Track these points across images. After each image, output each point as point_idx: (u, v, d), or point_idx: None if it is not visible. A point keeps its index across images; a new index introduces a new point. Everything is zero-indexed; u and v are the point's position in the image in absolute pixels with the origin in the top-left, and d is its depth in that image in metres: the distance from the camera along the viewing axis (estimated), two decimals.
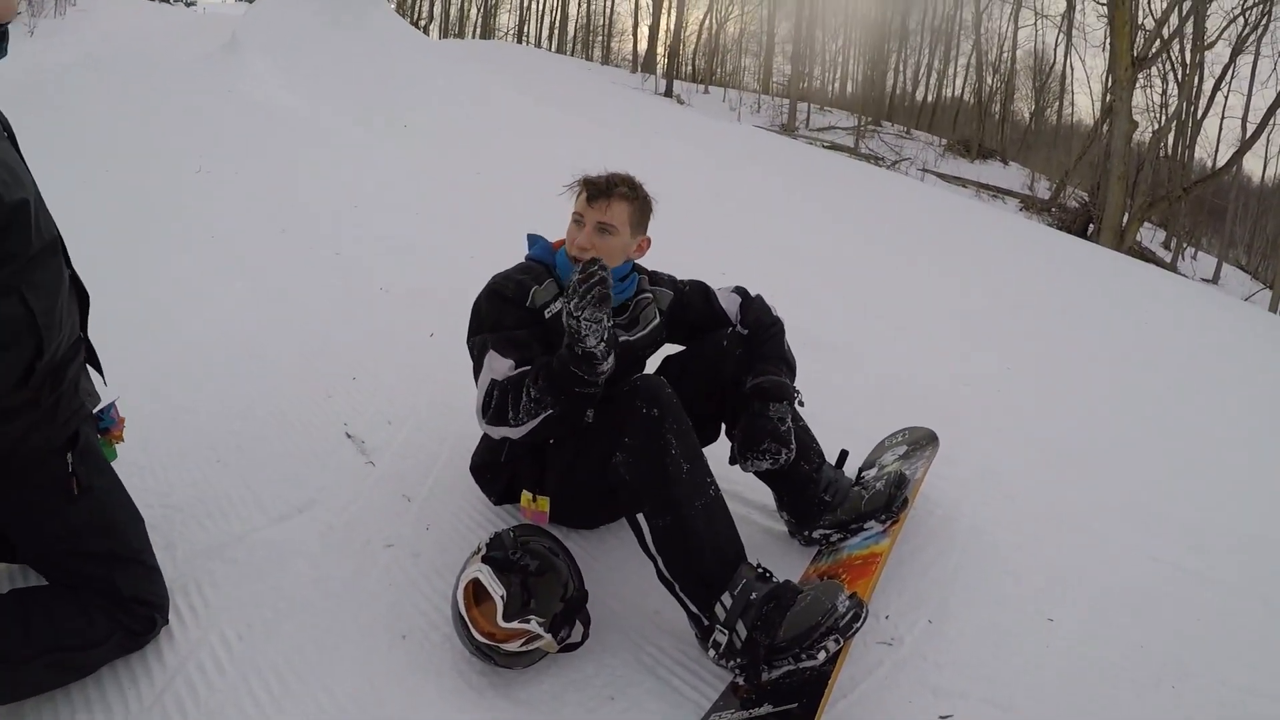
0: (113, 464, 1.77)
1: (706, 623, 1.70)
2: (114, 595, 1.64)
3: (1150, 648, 1.95)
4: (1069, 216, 18.16)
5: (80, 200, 4.38)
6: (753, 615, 1.66)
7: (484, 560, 1.70)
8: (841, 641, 1.63)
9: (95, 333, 1.75)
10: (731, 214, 6.12)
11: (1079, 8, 21.72)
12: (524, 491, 1.99)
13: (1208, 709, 1.80)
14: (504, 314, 1.97)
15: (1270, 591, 2.22)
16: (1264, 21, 16.95)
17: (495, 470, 2.11)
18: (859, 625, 1.65)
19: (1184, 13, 16.52)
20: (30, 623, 1.56)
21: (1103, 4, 17.05)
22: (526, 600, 1.66)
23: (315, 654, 1.75)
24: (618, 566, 2.01)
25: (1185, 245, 19.70)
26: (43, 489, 1.58)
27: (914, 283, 5.12)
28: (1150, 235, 19.17)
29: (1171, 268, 16.49)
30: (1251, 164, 22.31)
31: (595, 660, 1.76)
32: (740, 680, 1.67)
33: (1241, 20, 16.96)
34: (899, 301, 4.62)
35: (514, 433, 1.84)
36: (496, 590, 1.65)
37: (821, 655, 1.61)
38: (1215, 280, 18.16)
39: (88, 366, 1.72)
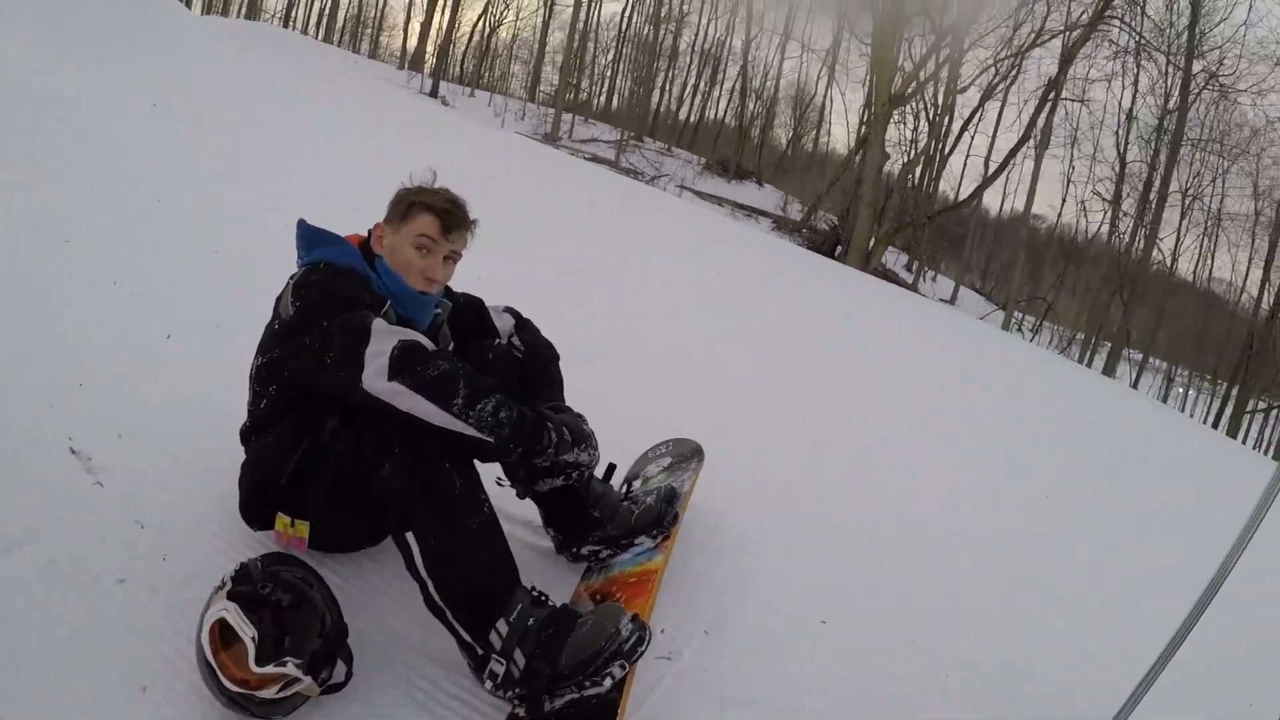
0: None
1: (481, 652, 1.62)
2: None
3: (922, 640, 2.10)
4: (819, 237, 19.51)
5: None
6: (531, 643, 1.60)
7: (230, 596, 1.52)
8: (627, 667, 1.61)
9: None
10: (491, 222, 6.00)
11: (845, 45, 23.45)
12: (279, 515, 1.79)
13: (976, 691, 1.98)
14: (365, 296, 1.76)
15: (1029, 578, 2.42)
16: (1013, 73, 19.08)
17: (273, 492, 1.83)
18: (644, 649, 1.63)
19: (940, 60, 18.32)
20: None
21: (867, 44, 18.56)
22: (280, 639, 1.49)
23: (43, 712, 1.50)
24: (375, 594, 1.89)
25: (926, 268, 21.85)
26: None
27: (668, 293, 5.24)
28: (894, 258, 21.07)
29: (913, 288, 18.11)
30: (991, 199, 25.81)
31: (362, 700, 1.63)
32: (520, 712, 1.61)
33: (993, 70, 19.02)
34: (656, 311, 4.70)
35: (433, 411, 1.62)
36: (246, 631, 1.47)
37: (608, 682, 1.59)
38: (953, 301, 20.20)
39: None
